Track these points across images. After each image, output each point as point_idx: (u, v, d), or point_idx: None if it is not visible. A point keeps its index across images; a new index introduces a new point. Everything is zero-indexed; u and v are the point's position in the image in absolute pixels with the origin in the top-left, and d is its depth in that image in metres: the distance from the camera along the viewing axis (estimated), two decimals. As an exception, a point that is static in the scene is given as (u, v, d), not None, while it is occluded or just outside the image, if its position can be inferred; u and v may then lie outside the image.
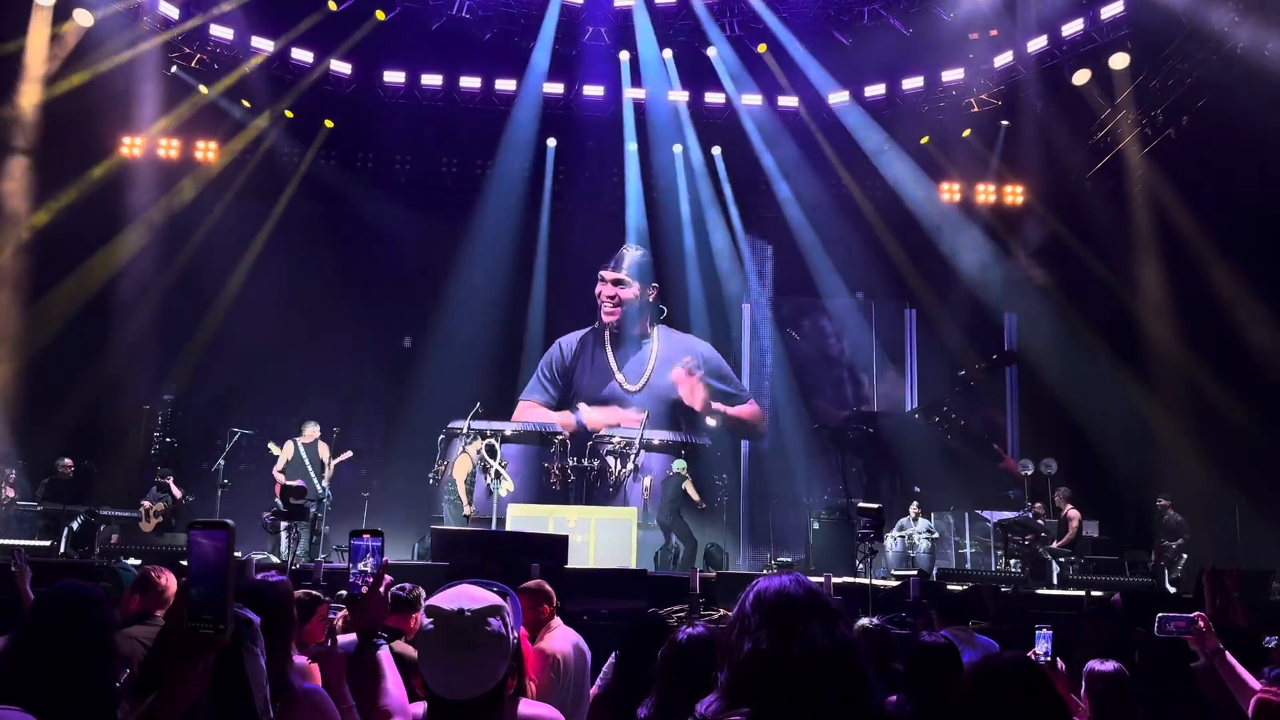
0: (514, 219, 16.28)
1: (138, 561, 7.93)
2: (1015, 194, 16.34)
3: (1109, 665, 3.73)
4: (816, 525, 13.65)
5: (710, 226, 16.80)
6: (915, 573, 11.18)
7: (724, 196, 16.83)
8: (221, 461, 12.22)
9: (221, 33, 14.87)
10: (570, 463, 14.08)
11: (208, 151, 15.60)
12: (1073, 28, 14.12)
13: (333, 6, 14.92)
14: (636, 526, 12.88)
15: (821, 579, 8.90)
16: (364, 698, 2.27)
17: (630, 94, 16.33)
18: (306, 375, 14.72)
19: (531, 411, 15.84)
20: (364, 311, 15.54)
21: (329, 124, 16.19)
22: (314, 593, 4.28)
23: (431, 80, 15.94)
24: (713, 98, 16.43)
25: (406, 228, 15.68)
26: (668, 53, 16.00)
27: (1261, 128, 11.60)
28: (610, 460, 14.11)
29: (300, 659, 2.90)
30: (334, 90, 15.96)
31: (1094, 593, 9.98)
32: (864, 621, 4.44)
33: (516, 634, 1.96)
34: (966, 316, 15.74)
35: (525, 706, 2.19)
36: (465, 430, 13.66)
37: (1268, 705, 3.06)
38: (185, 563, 1.68)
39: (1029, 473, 13.91)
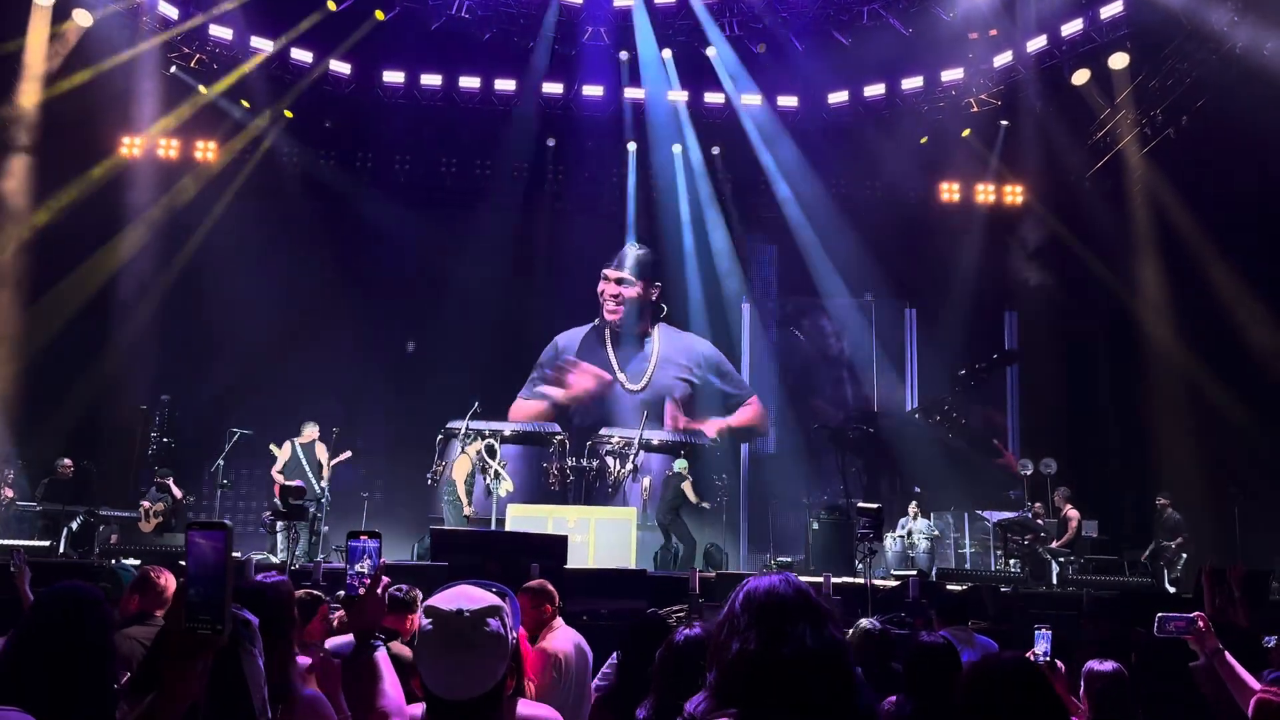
0: (513, 219, 16.25)
1: (137, 562, 7.93)
2: (1015, 194, 16.34)
3: (1108, 665, 3.73)
4: (816, 525, 13.64)
5: (710, 226, 16.78)
6: (914, 573, 11.18)
7: (724, 196, 16.82)
8: (221, 462, 12.23)
9: (221, 33, 14.86)
10: (569, 463, 14.09)
11: (207, 151, 15.59)
12: (1072, 28, 14.11)
13: (332, 6, 14.91)
14: (636, 526, 12.90)
15: (821, 579, 8.92)
16: (361, 699, 2.26)
17: (630, 94, 16.31)
18: (306, 375, 14.70)
19: (529, 409, 15.84)
20: (364, 311, 15.51)
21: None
22: (315, 592, 4.29)
23: (431, 80, 15.92)
24: (712, 98, 16.41)
25: (406, 228, 15.66)
26: (667, 53, 15.99)
27: (1261, 127, 11.60)
28: (609, 460, 14.12)
29: (304, 660, 2.90)
30: (333, 90, 15.94)
31: (1093, 592, 9.99)
32: (864, 622, 4.45)
33: (515, 634, 1.96)
34: (966, 316, 15.72)
35: (524, 707, 2.19)
36: (464, 430, 13.66)
37: (1267, 705, 3.06)
38: (184, 563, 1.68)
39: (1029, 472, 13.90)
